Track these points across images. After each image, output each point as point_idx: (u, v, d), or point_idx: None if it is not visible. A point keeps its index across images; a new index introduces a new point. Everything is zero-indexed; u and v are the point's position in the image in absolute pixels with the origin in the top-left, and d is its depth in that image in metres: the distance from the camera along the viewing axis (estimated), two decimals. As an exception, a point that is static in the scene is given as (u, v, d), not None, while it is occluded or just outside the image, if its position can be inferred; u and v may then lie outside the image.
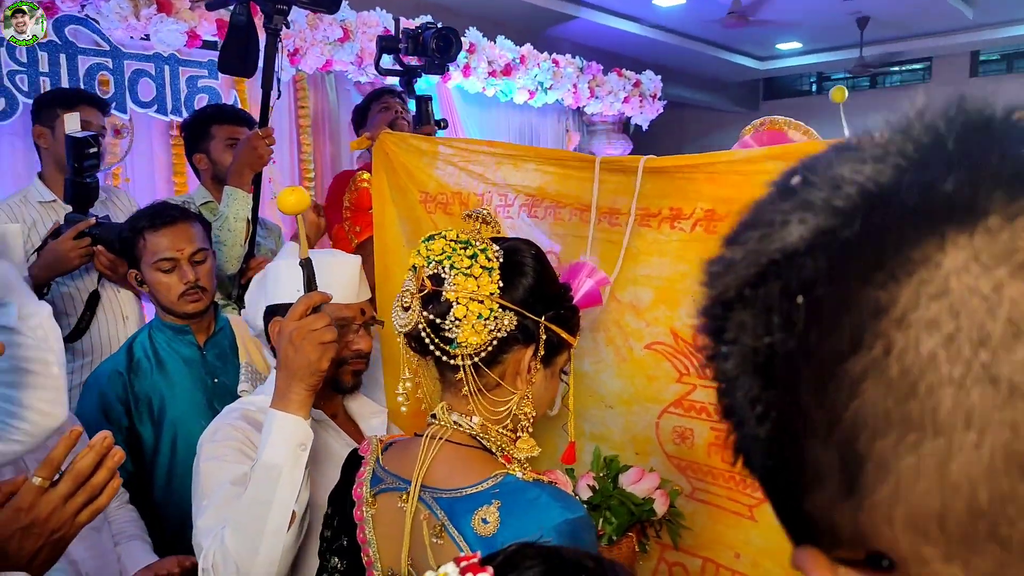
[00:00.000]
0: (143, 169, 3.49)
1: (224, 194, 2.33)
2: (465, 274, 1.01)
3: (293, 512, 1.15)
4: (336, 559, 1.09)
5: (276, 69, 2.20)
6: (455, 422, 1.05)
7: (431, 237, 1.07)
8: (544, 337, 1.05)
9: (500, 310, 1.01)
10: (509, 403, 1.05)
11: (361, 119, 2.94)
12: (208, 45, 3.36)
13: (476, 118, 4.97)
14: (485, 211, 1.10)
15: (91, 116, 2.42)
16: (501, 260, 1.03)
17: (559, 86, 5.05)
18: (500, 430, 1.05)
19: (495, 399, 1.04)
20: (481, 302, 1.00)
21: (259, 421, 1.32)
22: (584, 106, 5.47)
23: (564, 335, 1.08)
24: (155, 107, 3.24)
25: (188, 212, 1.99)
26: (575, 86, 5.17)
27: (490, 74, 4.59)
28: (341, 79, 4.27)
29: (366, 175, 2.19)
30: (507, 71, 4.66)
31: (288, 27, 2.19)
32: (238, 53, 2.14)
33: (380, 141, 1.98)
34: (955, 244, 0.26)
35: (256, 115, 2.44)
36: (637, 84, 5.66)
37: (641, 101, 5.72)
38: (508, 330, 1.01)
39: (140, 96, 3.20)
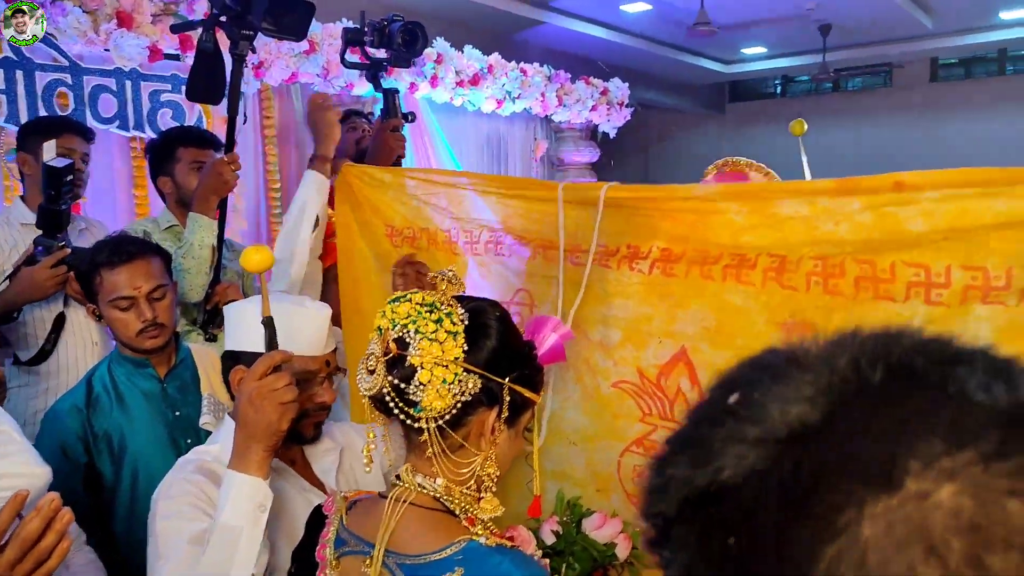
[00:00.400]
0: (103, 184, 3.42)
1: (188, 221, 2.30)
2: (430, 339, 1.02)
3: (252, 575, 1.15)
4: (301, 620, 1.09)
5: (241, 94, 2.19)
6: (419, 484, 1.05)
7: (397, 299, 1.08)
8: (508, 399, 1.06)
9: (464, 374, 1.02)
10: (473, 464, 1.06)
11: (328, 139, 2.92)
12: (171, 58, 3.31)
13: (445, 127, 4.96)
14: (451, 272, 1.11)
15: (74, 143, 2.44)
16: (466, 323, 1.05)
17: (527, 95, 5.07)
18: (464, 491, 1.06)
19: (459, 460, 1.05)
20: (446, 367, 1.02)
21: (215, 472, 1.31)
22: (552, 114, 5.49)
23: (528, 394, 1.10)
24: (116, 123, 3.18)
25: (147, 246, 1.95)
26: (543, 95, 5.19)
27: (458, 84, 4.58)
28: (307, 89, 4.23)
29: (327, 204, 2.18)
30: (475, 81, 4.65)
31: (254, 52, 2.16)
32: (205, 80, 2.12)
33: (343, 173, 1.97)
34: (872, 514, 0.27)
35: (222, 132, 2.42)
36: (605, 92, 5.70)
37: (608, 109, 5.76)
38: (472, 393, 1.03)
39: (101, 112, 3.14)
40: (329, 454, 1.51)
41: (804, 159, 1.92)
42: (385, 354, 1.04)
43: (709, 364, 1.39)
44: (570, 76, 5.38)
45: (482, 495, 1.07)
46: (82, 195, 2.61)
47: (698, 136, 11.43)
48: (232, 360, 1.44)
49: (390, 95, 2.50)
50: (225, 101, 2.19)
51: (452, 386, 1.01)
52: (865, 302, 1.21)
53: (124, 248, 1.89)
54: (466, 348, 1.03)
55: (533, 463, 1.14)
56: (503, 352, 1.06)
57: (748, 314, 1.33)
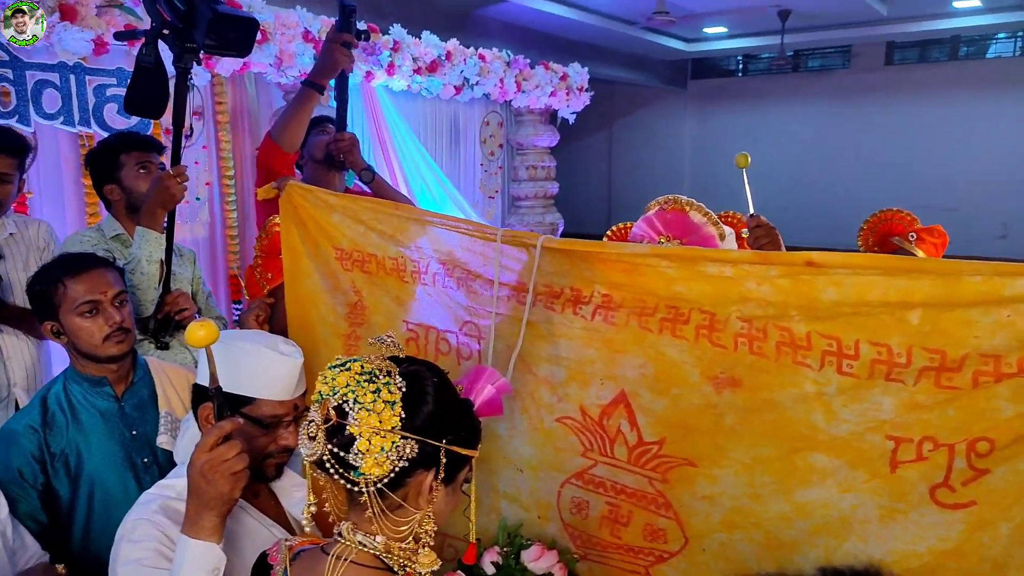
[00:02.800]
0: (50, 178, 3.35)
1: (136, 235, 2.28)
2: (368, 409, 1.06)
3: None
4: (248, 668, 1.15)
5: (187, 107, 2.15)
6: (360, 542, 1.11)
7: (335, 367, 1.12)
8: (445, 460, 1.11)
9: (402, 440, 1.07)
10: (411, 522, 1.12)
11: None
12: (117, 50, 3.23)
13: (403, 111, 4.92)
14: (389, 338, 1.16)
15: None
16: (404, 390, 1.09)
17: (486, 81, 5.04)
18: (402, 546, 1.12)
19: (398, 519, 1.11)
20: (383, 436, 1.06)
21: (179, 512, 1.34)
22: (511, 100, 5.48)
23: (465, 452, 1.15)
24: (61, 119, 3.10)
25: (102, 259, 1.96)
26: (502, 80, 5.17)
27: (415, 71, 4.54)
28: (261, 78, 4.16)
29: (279, 219, 2.16)
30: (432, 68, 4.62)
31: (199, 64, 2.13)
32: (145, 94, 2.08)
33: (287, 193, 1.96)
34: None
35: (165, 140, 2.38)
36: (564, 77, 5.69)
37: (568, 94, 5.76)
38: (410, 458, 1.08)
39: (44, 107, 3.06)
40: (299, 489, 1.56)
41: (748, 191, 1.95)
42: (325, 422, 1.08)
43: (648, 410, 1.46)
44: (529, 62, 5.36)
45: (421, 549, 1.13)
46: (7, 210, 2.44)
47: (661, 112, 11.47)
48: (201, 396, 1.47)
49: (347, 10, 2.45)
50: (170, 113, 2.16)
51: (390, 453, 1.06)
52: (786, 366, 1.30)
53: (81, 261, 1.92)
54: (403, 416, 1.08)
55: (471, 515, 1.20)
56: (440, 416, 1.11)
57: (683, 366, 1.40)
